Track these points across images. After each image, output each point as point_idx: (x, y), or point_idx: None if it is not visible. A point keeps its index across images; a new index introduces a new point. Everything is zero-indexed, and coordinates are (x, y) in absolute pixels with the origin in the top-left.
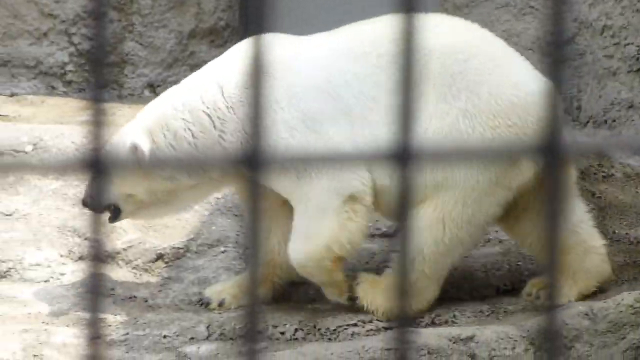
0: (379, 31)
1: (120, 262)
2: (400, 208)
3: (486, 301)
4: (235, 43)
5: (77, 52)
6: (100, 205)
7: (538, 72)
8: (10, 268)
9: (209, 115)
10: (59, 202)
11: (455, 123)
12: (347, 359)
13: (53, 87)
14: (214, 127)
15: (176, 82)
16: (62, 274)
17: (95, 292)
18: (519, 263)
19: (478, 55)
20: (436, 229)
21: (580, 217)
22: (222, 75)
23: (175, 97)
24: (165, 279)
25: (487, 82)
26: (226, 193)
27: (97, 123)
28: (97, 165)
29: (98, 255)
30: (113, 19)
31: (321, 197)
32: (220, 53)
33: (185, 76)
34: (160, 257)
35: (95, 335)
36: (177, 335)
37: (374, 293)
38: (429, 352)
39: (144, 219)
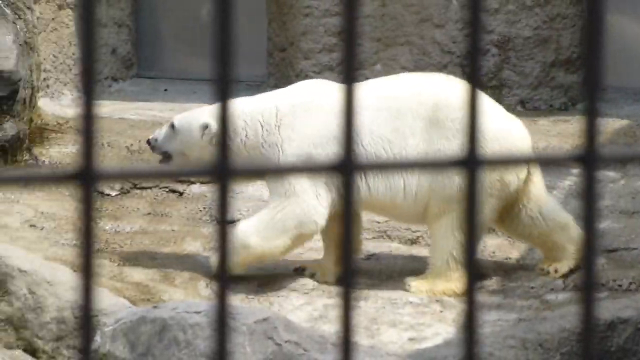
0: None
1: (498, 233)
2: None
3: None
4: (582, 70)
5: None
6: (160, 149)
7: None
8: (418, 236)
9: (261, 125)
10: None
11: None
12: None
13: None
14: (261, 135)
15: (541, 100)
16: None
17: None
18: None
19: (455, 97)
20: (457, 234)
21: (554, 208)
22: (280, 101)
23: (245, 103)
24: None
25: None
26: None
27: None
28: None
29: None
30: (494, 53)
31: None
32: (575, 78)
33: (548, 96)
34: None
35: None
36: (541, 287)
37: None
38: None
39: None
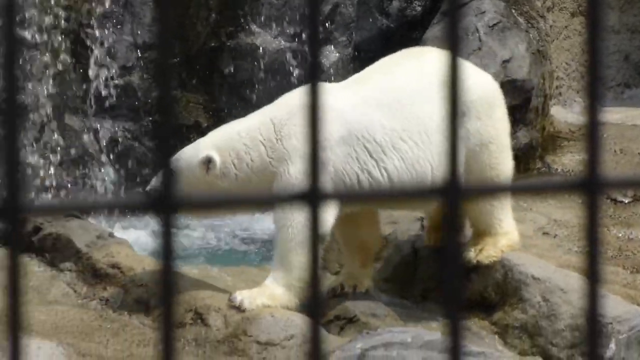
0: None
1: None
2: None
3: None
4: None
5: None
6: None
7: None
8: None
9: (263, 144)
10: None
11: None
12: None
13: None
14: (266, 154)
15: None
16: None
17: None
18: None
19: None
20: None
21: None
22: (273, 113)
23: (241, 126)
24: None
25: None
26: None
27: None
28: None
29: None
30: None
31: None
32: None
33: None
34: None
35: None
36: None
37: None
38: None
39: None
